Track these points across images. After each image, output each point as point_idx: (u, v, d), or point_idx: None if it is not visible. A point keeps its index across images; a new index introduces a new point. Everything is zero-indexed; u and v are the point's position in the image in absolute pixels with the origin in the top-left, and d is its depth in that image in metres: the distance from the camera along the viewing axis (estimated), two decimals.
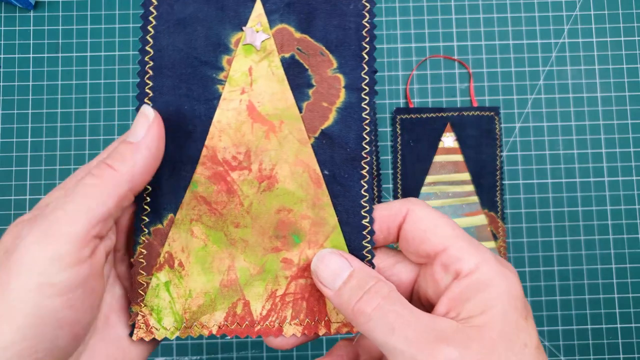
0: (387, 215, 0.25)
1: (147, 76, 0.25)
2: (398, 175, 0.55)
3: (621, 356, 0.53)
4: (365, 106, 0.26)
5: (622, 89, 0.56)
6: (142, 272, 0.25)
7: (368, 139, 0.26)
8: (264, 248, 0.26)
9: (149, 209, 0.25)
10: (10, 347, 0.19)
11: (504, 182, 0.55)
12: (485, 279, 0.22)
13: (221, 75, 0.26)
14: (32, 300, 0.19)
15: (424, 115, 0.55)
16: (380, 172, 0.55)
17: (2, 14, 0.56)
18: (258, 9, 0.26)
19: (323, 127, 0.26)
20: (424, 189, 0.55)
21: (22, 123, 0.55)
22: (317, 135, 0.26)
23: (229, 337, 0.26)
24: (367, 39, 0.26)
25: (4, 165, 0.54)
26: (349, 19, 0.26)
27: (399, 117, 0.55)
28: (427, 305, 0.25)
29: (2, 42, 0.55)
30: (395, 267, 0.26)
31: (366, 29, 0.26)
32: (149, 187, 0.25)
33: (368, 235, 0.25)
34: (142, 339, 0.25)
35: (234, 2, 0.26)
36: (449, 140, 0.55)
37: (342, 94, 0.26)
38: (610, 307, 0.53)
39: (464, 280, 0.22)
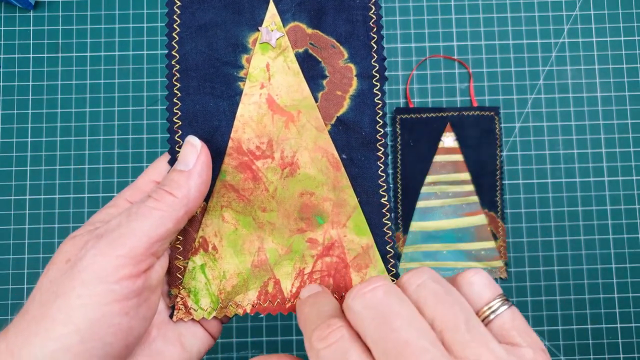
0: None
1: (174, 78, 0.28)
2: (398, 175, 0.55)
3: (621, 356, 0.53)
4: (377, 92, 0.28)
5: (622, 88, 0.56)
6: (179, 256, 0.27)
7: (381, 122, 0.28)
8: (290, 230, 0.28)
9: None
10: (71, 348, 0.21)
11: (504, 182, 0.55)
12: None
13: (241, 73, 0.28)
14: (93, 305, 0.21)
15: (424, 115, 0.55)
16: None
17: (2, 14, 0.56)
18: (272, 10, 0.28)
19: (338, 114, 0.28)
20: (424, 189, 0.55)
21: (22, 123, 0.55)
22: (333, 122, 0.28)
23: (261, 315, 0.27)
24: (375, 30, 0.28)
25: (4, 165, 0.54)
26: (356, 13, 0.28)
27: (399, 117, 0.55)
28: None
29: (2, 42, 0.55)
30: None
31: (373, 20, 0.28)
32: None
33: (387, 213, 0.27)
34: (181, 319, 0.27)
35: (249, 5, 0.28)
36: (449, 140, 0.55)
37: (355, 82, 0.28)
38: (610, 307, 0.53)
39: None
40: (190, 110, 0.27)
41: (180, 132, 0.27)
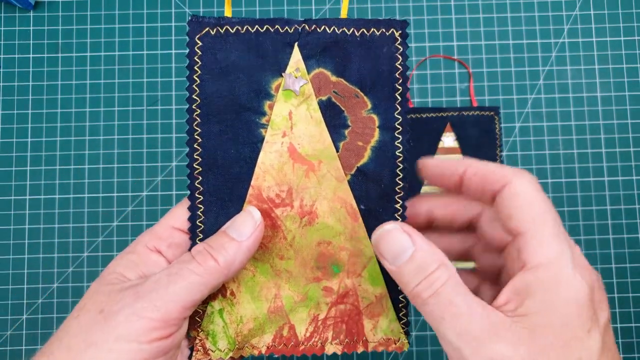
0: (490, 176, 0.24)
1: (195, 123, 0.27)
2: None
3: (621, 356, 0.53)
4: (399, 145, 0.27)
5: (622, 88, 0.56)
6: None
7: (402, 175, 0.27)
8: (306, 278, 0.28)
9: None
10: None
11: None
12: (553, 277, 0.21)
13: (264, 120, 0.27)
14: None
15: (424, 115, 0.55)
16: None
17: (2, 14, 0.56)
18: (296, 55, 0.27)
19: (359, 164, 0.28)
20: (424, 189, 0.55)
21: (22, 123, 0.55)
22: (353, 172, 0.28)
23: (276, 356, 0.29)
24: (400, 81, 0.27)
25: (4, 165, 0.54)
26: (382, 62, 0.27)
27: None
28: (497, 287, 0.25)
29: (2, 42, 0.55)
30: (491, 223, 0.26)
31: (399, 71, 0.27)
32: (201, 225, 0.27)
33: None
34: None
35: (273, 49, 0.27)
36: (449, 140, 0.55)
37: (377, 134, 0.27)
38: (611, 307, 0.53)
39: (528, 272, 0.21)
40: (212, 156, 0.27)
41: (201, 178, 0.27)
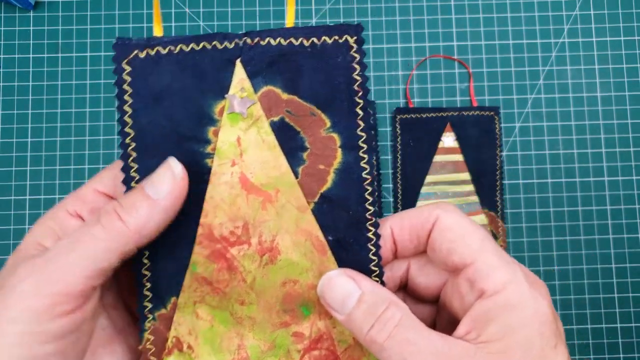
0: (416, 222, 0.24)
1: (130, 159, 0.23)
2: (398, 175, 0.55)
3: (621, 356, 0.53)
4: (365, 165, 0.24)
5: (622, 88, 0.56)
6: (152, 358, 0.24)
7: (371, 199, 0.24)
8: (273, 324, 0.25)
9: (151, 295, 0.24)
10: None
11: (504, 181, 0.55)
12: (511, 300, 0.21)
13: (208, 149, 0.24)
14: (25, 347, 0.19)
15: (424, 115, 0.55)
16: (381, 172, 0.55)
17: (2, 14, 0.56)
18: (239, 73, 0.24)
19: (322, 190, 0.24)
20: (424, 189, 0.55)
21: (22, 123, 0.55)
22: (316, 200, 0.24)
23: None
24: (360, 94, 0.24)
25: (4, 165, 0.54)
26: (337, 74, 0.24)
27: (399, 117, 0.55)
28: (451, 320, 0.24)
29: (2, 42, 0.55)
30: (425, 267, 0.25)
31: (358, 83, 0.24)
32: (147, 272, 0.24)
33: None
34: None
35: (212, 67, 0.24)
36: (449, 140, 0.55)
37: (339, 155, 0.24)
38: (610, 307, 0.53)
39: (488, 300, 0.21)
40: None
41: None
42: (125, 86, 0.24)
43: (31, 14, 0.56)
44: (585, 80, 0.56)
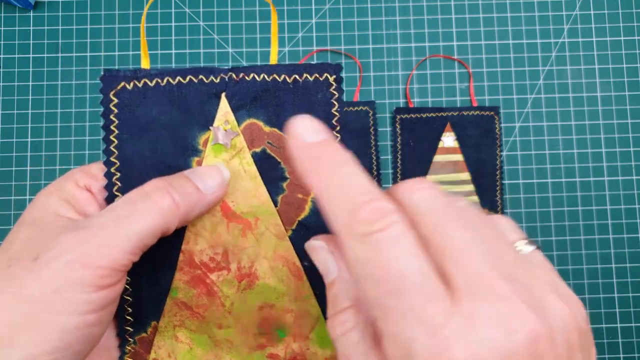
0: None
1: (115, 188, 0.24)
2: (398, 175, 0.55)
3: (621, 356, 0.53)
4: None
5: (622, 88, 0.56)
6: None
7: None
8: (249, 346, 0.26)
9: (132, 319, 0.25)
10: (38, 358, 0.19)
11: (504, 181, 0.55)
12: None
13: None
14: (69, 316, 0.20)
15: (424, 115, 0.55)
16: (380, 172, 0.55)
17: (2, 14, 0.56)
18: (224, 107, 0.25)
19: (300, 218, 0.25)
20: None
21: (22, 123, 0.55)
22: (294, 227, 0.25)
23: None
24: (338, 128, 0.25)
25: (4, 165, 0.54)
26: (317, 109, 0.25)
27: (399, 116, 0.55)
28: None
29: (2, 42, 0.55)
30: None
31: (336, 118, 0.25)
32: (129, 298, 0.25)
33: None
34: None
35: (198, 101, 0.25)
36: (449, 140, 0.55)
37: None
38: (610, 307, 0.53)
39: None
40: None
41: None
42: (112, 116, 0.24)
43: (31, 14, 0.56)
44: (585, 80, 0.56)
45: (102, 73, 0.24)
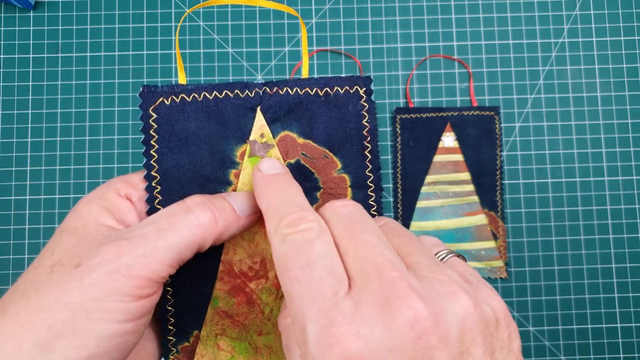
0: None
1: (156, 201, 0.25)
2: (398, 175, 0.55)
3: (621, 356, 0.53)
4: (373, 203, 0.26)
5: (622, 88, 0.56)
6: None
7: None
8: None
9: (174, 329, 0.26)
10: None
11: (504, 181, 0.55)
12: None
13: (230, 189, 0.26)
14: (108, 324, 0.20)
15: (424, 115, 0.55)
16: (381, 172, 0.55)
17: (2, 14, 0.56)
18: (259, 120, 0.26)
19: None
20: (424, 189, 0.55)
21: (22, 123, 0.55)
22: None
23: None
24: (369, 138, 0.26)
25: (4, 165, 0.54)
26: (348, 121, 0.26)
27: (399, 116, 0.55)
28: None
29: (2, 42, 0.55)
30: None
31: (367, 129, 0.26)
32: (172, 308, 0.26)
33: None
34: None
35: (234, 115, 0.26)
36: (449, 140, 0.55)
37: (349, 193, 0.26)
38: (611, 307, 0.53)
39: None
40: None
41: None
42: (151, 131, 0.25)
43: (31, 14, 0.56)
44: (585, 80, 0.56)
45: (140, 89, 0.25)
